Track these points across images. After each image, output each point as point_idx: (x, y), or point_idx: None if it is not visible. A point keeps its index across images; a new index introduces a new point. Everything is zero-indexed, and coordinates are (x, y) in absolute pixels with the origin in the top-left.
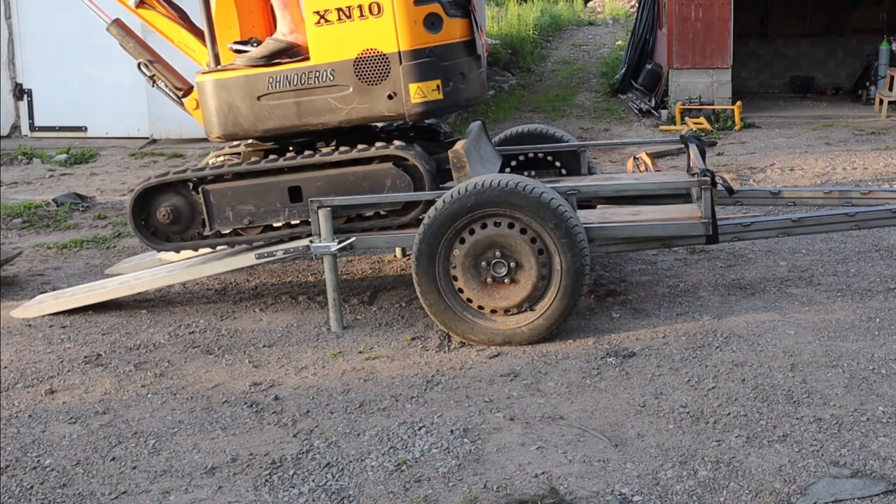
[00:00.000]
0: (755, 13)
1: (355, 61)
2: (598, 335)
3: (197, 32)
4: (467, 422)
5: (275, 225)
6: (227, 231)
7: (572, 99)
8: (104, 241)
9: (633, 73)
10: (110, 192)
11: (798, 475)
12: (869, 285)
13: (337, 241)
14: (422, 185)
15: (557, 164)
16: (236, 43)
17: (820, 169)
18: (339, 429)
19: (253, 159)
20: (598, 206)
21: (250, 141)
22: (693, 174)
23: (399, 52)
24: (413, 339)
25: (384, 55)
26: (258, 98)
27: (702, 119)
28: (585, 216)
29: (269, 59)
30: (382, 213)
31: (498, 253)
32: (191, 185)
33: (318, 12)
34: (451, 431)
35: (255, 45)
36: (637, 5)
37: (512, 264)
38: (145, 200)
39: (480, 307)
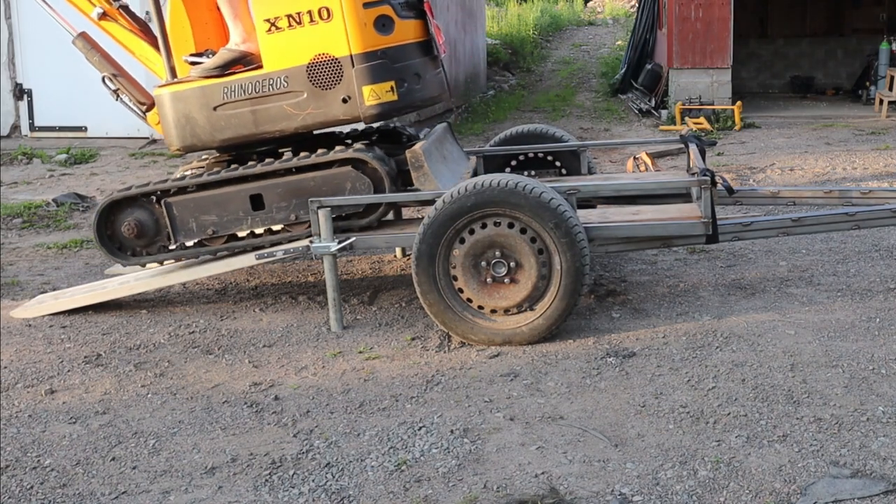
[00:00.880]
0: (755, 13)
1: (308, 67)
2: (598, 335)
3: (158, 46)
4: (467, 422)
5: (239, 234)
6: (192, 243)
7: (572, 99)
8: None
9: (633, 73)
10: (110, 192)
11: (798, 475)
12: (869, 285)
13: (337, 241)
14: (382, 186)
15: (557, 163)
16: (192, 55)
17: (820, 169)
18: (339, 429)
19: (213, 170)
20: (598, 206)
21: (213, 152)
22: (693, 174)
23: (351, 56)
24: (413, 339)
25: (336, 59)
26: (214, 108)
27: (702, 119)
28: (585, 216)
29: (224, 69)
30: (343, 215)
31: (498, 253)
32: (153, 198)
33: (268, 20)
34: (451, 431)
35: (209, 56)
36: (637, 5)
37: (512, 264)
38: (110, 216)
39: (480, 307)
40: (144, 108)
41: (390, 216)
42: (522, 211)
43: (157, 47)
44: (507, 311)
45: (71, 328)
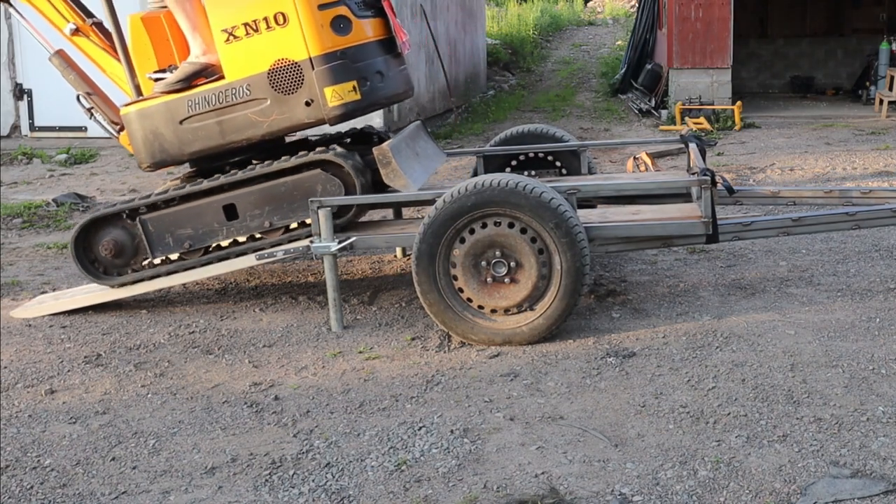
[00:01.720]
0: (755, 13)
1: (269, 73)
2: (598, 335)
3: None
4: (467, 422)
5: (219, 245)
6: (173, 257)
7: (572, 99)
8: None
9: (633, 73)
10: (110, 192)
11: (798, 475)
12: (869, 285)
13: (337, 241)
14: (353, 187)
15: (557, 163)
16: (155, 72)
17: (820, 169)
18: (339, 429)
19: (185, 184)
20: (598, 206)
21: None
22: (693, 174)
23: (310, 58)
24: (413, 339)
25: (296, 63)
26: (180, 122)
27: (702, 119)
28: (585, 216)
29: (187, 83)
30: (308, 221)
31: (498, 252)
32: (125, 216)
33: (226, 30)
34: (451, 431)
35: (173, 72)
36: (637, 5)
37: (512, 264)
38: (87, 238)
39: (480, 307)
40: (118, 127)
41: (391, 215)
42: (523, 211)
43: None
44: (507, 310)
45: (71, 328)
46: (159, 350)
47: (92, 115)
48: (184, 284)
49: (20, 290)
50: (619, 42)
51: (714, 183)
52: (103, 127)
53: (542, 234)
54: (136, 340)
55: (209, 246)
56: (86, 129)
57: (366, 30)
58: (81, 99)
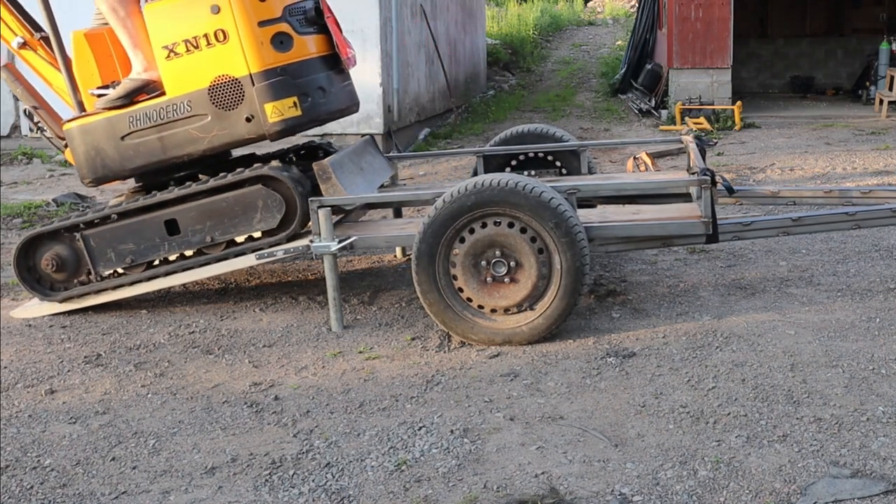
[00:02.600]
0: (755, 13)
1: (209, 89)
2: (598, 335)
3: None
4: (467, 422)
5: (167, 259)
6: (112, 272)
7: (572, 99)
8: None
9: (633, 73)
10: (110, 192)
11: (798, 475)
12: (869, 285)
13: (337, 240)
14: (293, 202)
15: (557, 163)
16: (98, 88)
17: (820, 169)
18: (339, 429)
19: (131, 199)
20: (598, 206)
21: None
22: (693, 174)
23: (250, 75)
24: (413, 339)
25: (236, 79)
26: (122, 138)
27: (702, 119)
28: (585, 215)
29: (128, 99)
30: (256, 236)
31: (498, 252)
32: (66, 232)
33: (166, 47)
34: (451, 431)
35: (115, 88)
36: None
37: (512, 263)
38: (29, 254)
39: (480, 306)
40: (63, 143)
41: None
42: (522, 210)
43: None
44: (507, 310)
45: (71, 328)
46: (159, 350)
47: (40, 129)
48: (183, 284)
49: (20, 290)
50: (619, 42)
51: (714, 183)
52: (50, 141)
53: (542, 233)
54: (136, 340)
55: (152, 261)
56: None
57: (308, 46)
58: (30, 113)
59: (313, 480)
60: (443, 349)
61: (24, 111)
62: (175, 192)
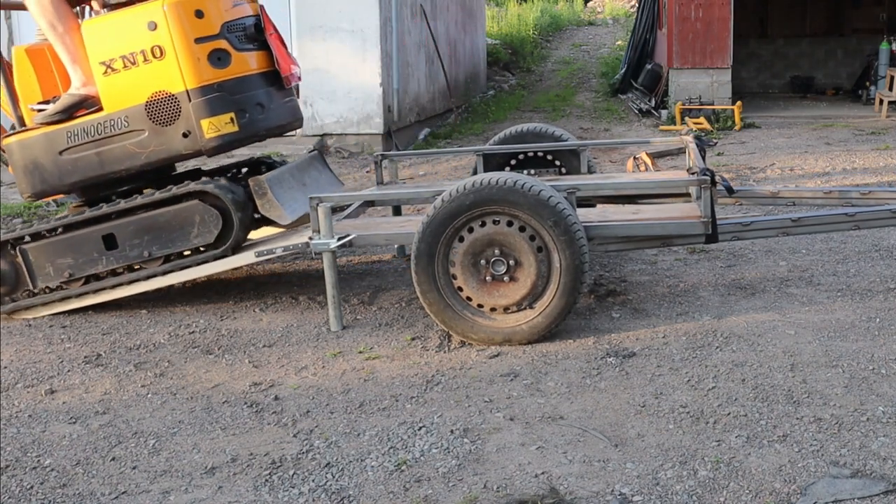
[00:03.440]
0: (755, 13)
1: (146, 105)
2: (598, 335)
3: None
4: (467, 422)
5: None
6: (53, 286)
7: (572, 99)
8: None
9: (633, 73)
10: None
11: (798, 475)
12: (869, 285)
13: (336, 237)
14: (230, 217)
15: (557, 163)
16: (39, 103)
17: (820, 169)
18: (339, 429)
19: (72, 214)
20: (598, 205)
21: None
22: (693, 174)
23: (187, 91)
24: (413, 339)
25: (173, 95)
26: (60, 153)
27: (702, 119)
28: (585, 215)
29: (67, 114)
30: (202, 248)
31: (497, 251)
32: (9, 246)
33: (104, 63)
34: (451, 431)
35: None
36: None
37: (511, 262)
38: None
39: (480, 305)
40: (6, 156)
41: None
42: (521, 209)
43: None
44: (506, 309)
45: (71, 328)
46: (159, 350)
47: None
48: (183, 284)
49: None
50: (619, 42)
51: (714, 183)
52: None
53: (541, 232)
54: (136, 340)
55: (91, 275)
56: None
57: (247, 62)
58: None
59: (313, 480)
60: (443, 349)
61: None
62: (112, 207)
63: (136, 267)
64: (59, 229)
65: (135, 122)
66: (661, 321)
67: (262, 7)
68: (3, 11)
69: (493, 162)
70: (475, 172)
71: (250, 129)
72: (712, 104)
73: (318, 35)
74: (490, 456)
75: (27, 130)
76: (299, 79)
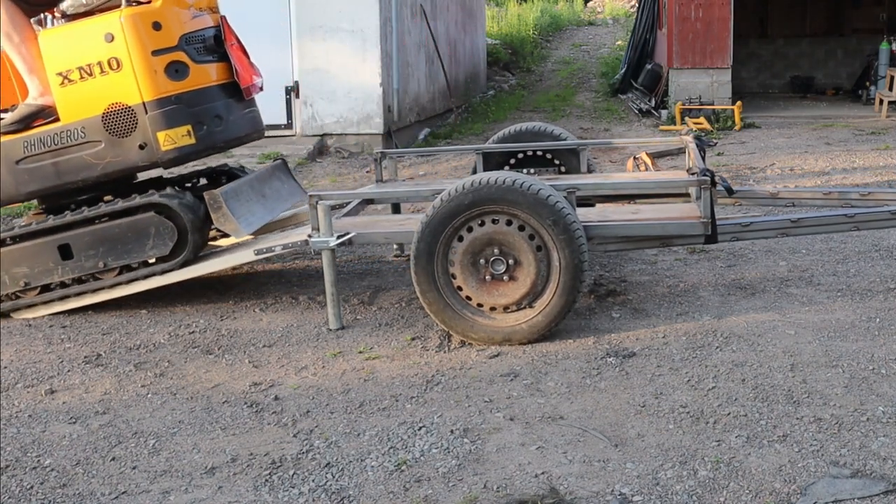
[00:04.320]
0: (755, 13)
1: (103, 116)
2: (598, 335)
3: None
4: (467, 422)
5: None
6: (9, 293)
7: (572, 99)
8: None
9: (633, 73)
10: None
11: (798, 475)
12: (869, 285)
13: (336, 235)
14: (185, 230)
15: (557, 162)
16: None
17: (820, 169)
18: (339, 429)
19: (29, 223)
20: (598, 205)
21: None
22: (693, 174)
23: (144, 103)
24: (413, 339)
25: (129, 107)
26: (17, 163)
27: (702, 119)
28: (584, 214)
29: (23, 124)
30: (150, 261)
31: (496, 250)
32: None
33: (61, 73)
34: (451, 431)
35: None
36: (637, 5)
37: (510, 261)
38: None
39: (479, 305)
40: None
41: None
42: (520, 208)
43: None
44: (506, 308)
45: (71, 328)
46: (159, 350)
47: None
48: (183, 284)
49: None
50: (619, 42)
51: (714, 183)
52: None
53: (540, 231)
54: (136, 340)
55: (48, 284)
56: None
57: (206, 74)
58: None
59: (313, 480)
60: (443, 349)
61: None
62: (68, 217)
63: (96, 277)
64: (9, 240)
65: (91, 133)
66: (661, 321)
67: (223, 18)
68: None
69: (492, 161)
70: (475, 171)
71: (208, 141)
72: (712, 104)
73: (318, 35)
74: (490, 456)
75: None
76: (261, 89)
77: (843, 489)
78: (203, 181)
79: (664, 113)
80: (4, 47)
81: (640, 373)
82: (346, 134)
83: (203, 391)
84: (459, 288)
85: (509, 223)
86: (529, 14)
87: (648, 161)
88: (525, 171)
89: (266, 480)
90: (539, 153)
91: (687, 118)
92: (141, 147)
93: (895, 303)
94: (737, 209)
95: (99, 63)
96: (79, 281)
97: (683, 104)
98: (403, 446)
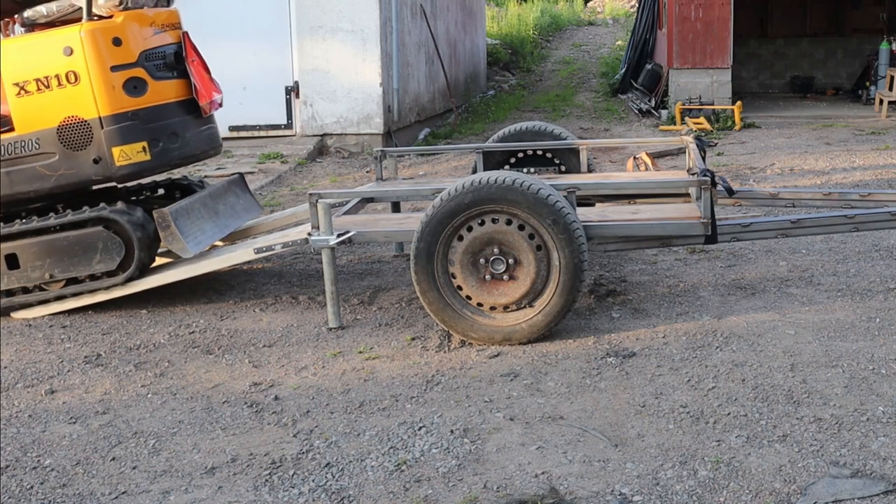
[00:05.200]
0: (755, 13)
1: (59, 129)
2: (598, 335)
3: None
4: (467, 422)
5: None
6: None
7: (572, 99)
8: None
9: (633, 73)
10: None
11: (798, 475)
12: (869, 285)
13: (335, 234)
14: (132, 246)
15: (557, 161)
16: None
17: (820, 169)
18: (339, 429)
19: None
20: (598, 205)
21: None
22: (693, 174)
23: (100, 118)
24: (413, 339)
25: (85, 121)
26: None
27: (702, 119)
28: (584, 214)
29: None
30: (98, 275)
31: (496, 250)
32: None
33: (17, 84)
34: (451, 431)
35: None
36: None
37: (510, 261)
38: None
39: (479, 304)
40: None
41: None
42: (520, 207)
43: None
44: (506, 307)
45: (71, 328)
46: (159, 350)
47: None
48: (182, 283)
49: None
50: (619, 42)
51: (713, 183)
52: None
53: (540, 230)
54: (136, 340)
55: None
56: None
57: (164, 91)
58: None
59: (313, 480)
60: (443, 349)
61: None
62: (16, 226)
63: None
64: None
65: (46, 144)
66: (661, 321)
67: (185, 34)
68: None
69: (492, 160)
70: (475, 171)
71: (163, 157)
72: (712, 104)
73: (318, 35)
74: (490, 456)
75: None
76: (220, 105)
77: (843, 489)
78: (161, 192)
79: (664, 113)
80: None
81: (640, 373)
82: (346, 134)
83: (203, 391)
84: (459, 287)
85: (509, 222)
86: (529, 14)
87: (648, 161)
88: (525, 170)
89: (266, 480)
90: (539, 153)
91: (687, 118)
92: (95, 161)
93: (895, 303)
94: (737, 209)
95: (57, 76)
96: (24, 291)
97: (683, 104)
98: (403, 446)
